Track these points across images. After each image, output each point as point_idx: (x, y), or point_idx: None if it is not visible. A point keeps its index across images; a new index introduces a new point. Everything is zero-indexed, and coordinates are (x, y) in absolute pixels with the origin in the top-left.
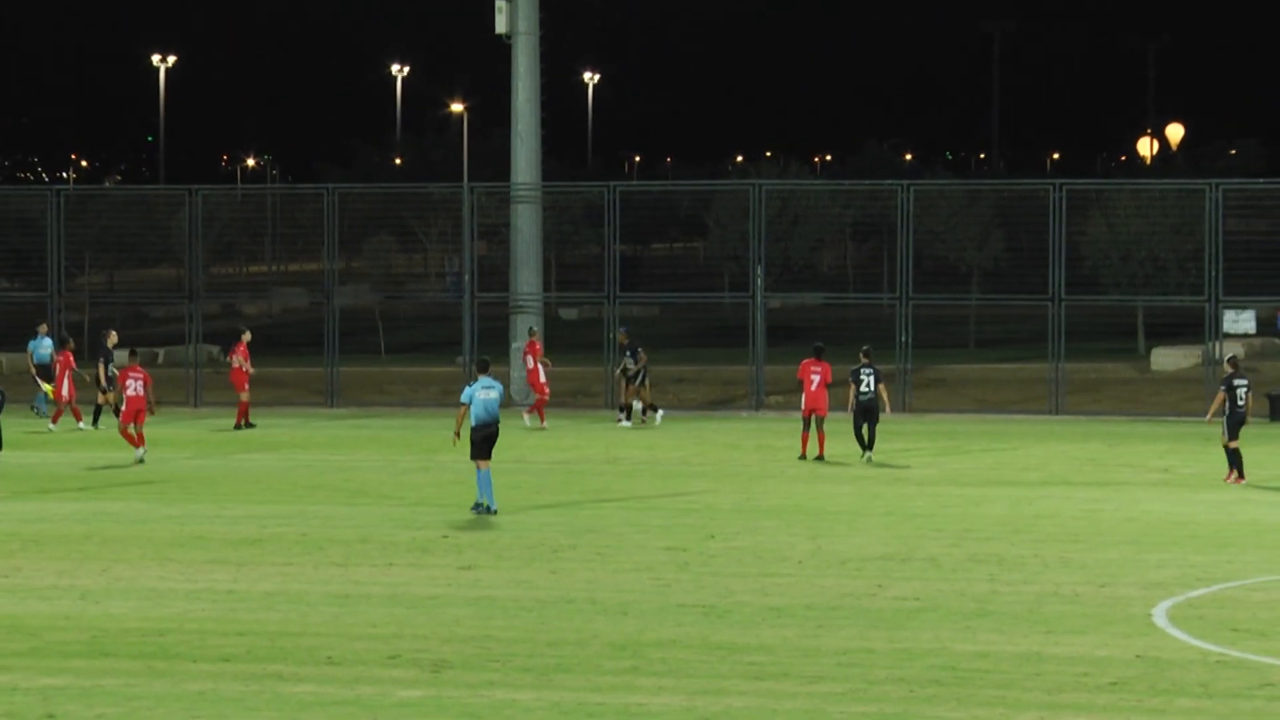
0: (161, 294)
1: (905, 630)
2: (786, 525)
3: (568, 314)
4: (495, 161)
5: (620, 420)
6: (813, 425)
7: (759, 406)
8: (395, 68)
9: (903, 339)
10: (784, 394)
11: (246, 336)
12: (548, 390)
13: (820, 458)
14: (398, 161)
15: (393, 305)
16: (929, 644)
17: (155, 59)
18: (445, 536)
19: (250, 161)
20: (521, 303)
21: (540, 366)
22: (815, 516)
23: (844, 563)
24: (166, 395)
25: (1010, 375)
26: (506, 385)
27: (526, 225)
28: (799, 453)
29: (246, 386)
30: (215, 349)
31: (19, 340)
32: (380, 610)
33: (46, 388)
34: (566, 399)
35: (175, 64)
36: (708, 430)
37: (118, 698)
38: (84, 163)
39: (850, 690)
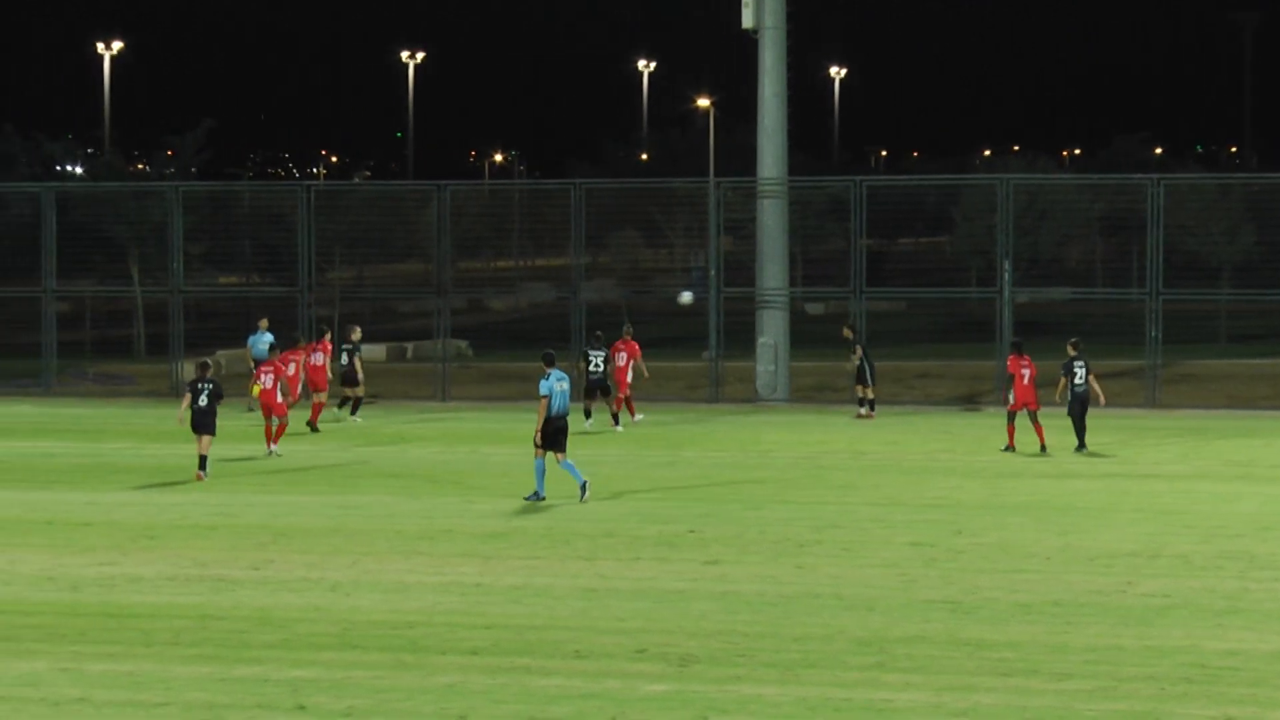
0: (409, 289)
1: (1154, 627)
2: (1034, 521)
3: (814, 309)
4: (741, 156)
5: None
6: (1016, 418)
7: (1006, 402)
8: (642, 64)
9: (1153, 334)
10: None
11: (328, 335)
12: (626, 388)
13: (1043, 448)
14: (644, 157)
15: (638, 300)
16: (1179, 641)
17: (405, 55)
18: (691, 531)
19: (498, 157)
20: (767, 298)
21: (631, 366)
22: (1063, 513)
23: (1092, 559)
24: (414, 390)
25: (1262, 371)
26: (752, 380)
27: (772, 220)
28: (1006, 444)
29: (325, 387)
30: (464, 344)
31: (277, 333)
32: (626, 604)
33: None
34: (812, 394)
35: (424, 60)
36: (955, 425)
37: (367, 690)
38: (334, 159)
39: (1099, 688)
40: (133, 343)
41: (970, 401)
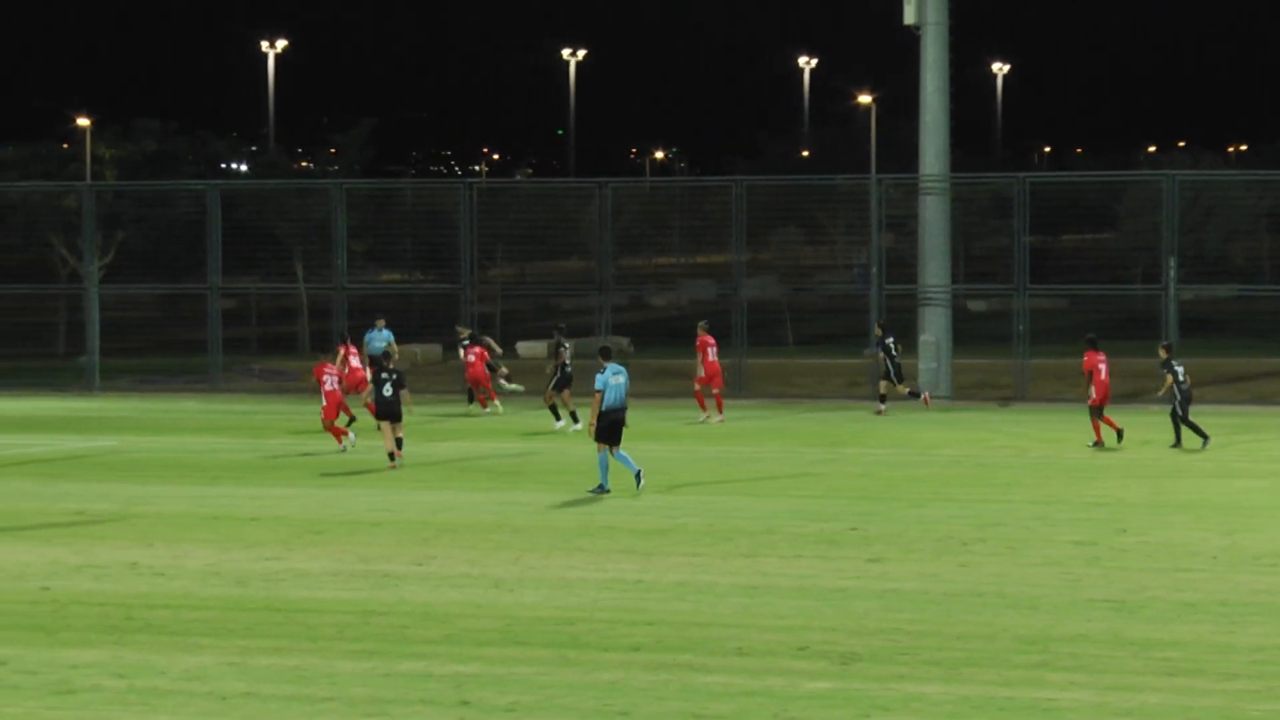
0: (571, 286)
1: None
2: (1199, 520)
3: (976, 306)
4: (903, 153)
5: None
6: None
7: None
8: (803, 60)
9: None
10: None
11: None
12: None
13: (1120, 435)
14: (805, 153)
15: (800, 297)
16: None
17: (566, 53)
18: (853, 529)
19: (658, 154)
20: (929, 295)
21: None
22: (1228, 512)
23: (1258, 559)
24: (575, 387)
25: None
26: (915, 377)
27: (935, 217)
28: (1094, 440)
29: (366, 387)
30: (625, 340)
31: (440, 331)
32: (788, 602)
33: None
34: (973, 391)
35: (586, 57)
36: (1119, 423)
37: (530, 685)
38: (495, 156)
39: (1266, 688)
40: (297, 339)
41: (1134, 399)
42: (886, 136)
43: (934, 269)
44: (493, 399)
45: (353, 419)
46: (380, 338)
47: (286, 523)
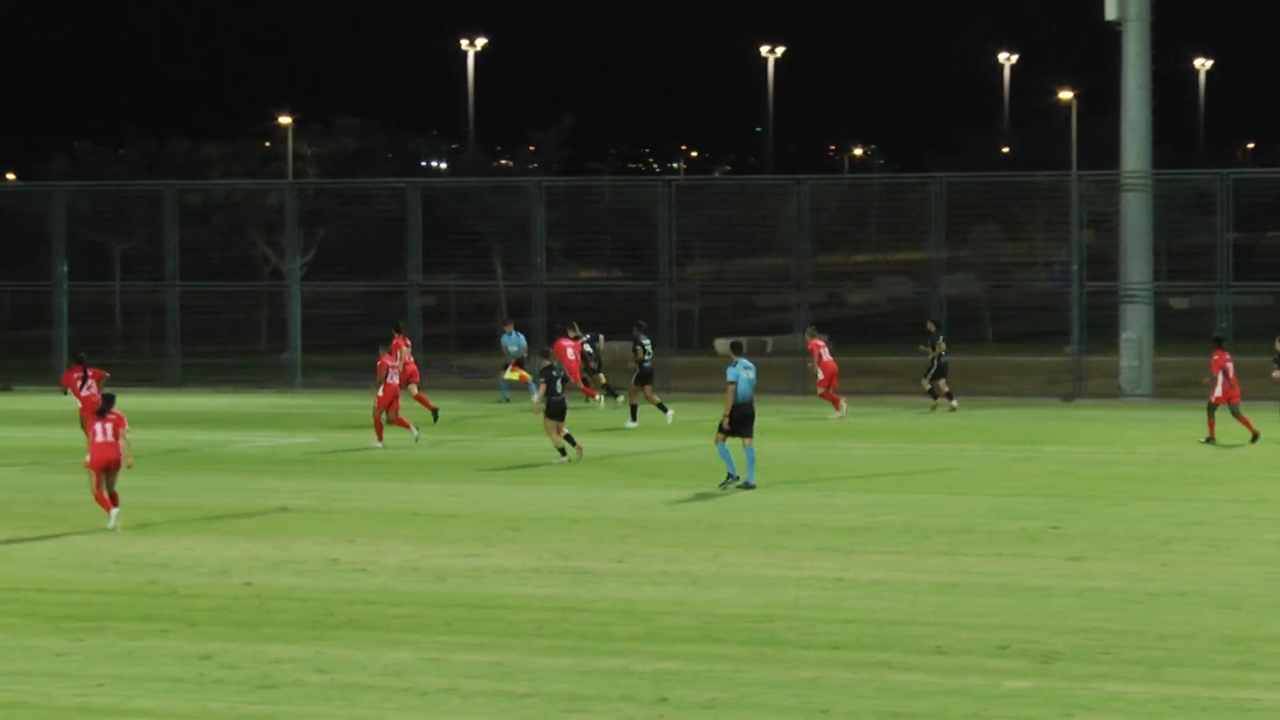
0: (768, 283)
1: None
2: None
3: (1178, 303)
4: (1103, 149)
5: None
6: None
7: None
8: (1003, 56)
9: None
10: None
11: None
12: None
13: (1256, 437)
14: (1004, 150)
15: (999, 294)
16: None
17: (765, 49)
18: (1053, 527)
19: (857, 151)
20: (1131, 292)
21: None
22: None
23: None
24: (773, 384)
25: None
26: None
27: (1136, 214)
28: (1207, 436)
29: (418, 378)
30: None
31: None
32: (988, 600)
33: (511, 375)
34: (1176, 390)
35: (784, 54)
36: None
37: (729, 683)
38: (694, 153)
39: None
40: (495, 337)
41: None
42: (1087, 133)
43: (1135, 266)
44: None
45: (435, 411)
46: (513, 340)
47: (485, 519)
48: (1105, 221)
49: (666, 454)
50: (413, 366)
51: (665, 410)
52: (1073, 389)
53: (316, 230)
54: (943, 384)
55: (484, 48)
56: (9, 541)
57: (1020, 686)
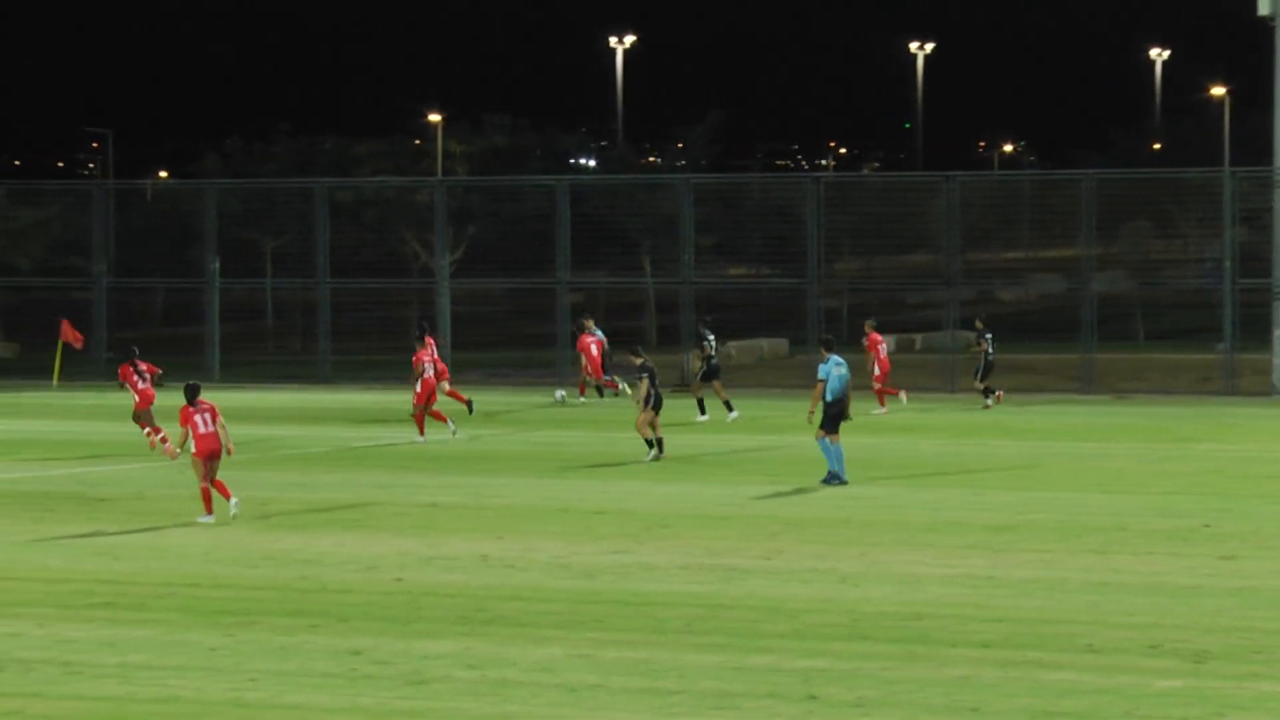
0: (918, 280)
1: None
2: None
3: None
4: (1256, 145)
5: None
6: None
7: None
8: (1154, 51)
9: None
10: None
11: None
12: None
13: None
14: (1155, 146)
15: (1150, 291)
16: None
17: (914, 46)
18: (1207, 526)
19: (1006, 147)
20: None
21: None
22: None
23: None
24: (922, 382)
25: None
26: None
27: None
28: None
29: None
30: (972, 335)
31: (786, 326)
32: (1139, 599)
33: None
34: None
35: (933, 50)
36: None
37: (877, 681)
38: (842, 150)
39: None
40: (644, 334)
41: None
42: (1239, 129)
43: None
44: (611, 388)
45: (469, 402)
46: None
47: (634, 516)
48: (1258, 218)
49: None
50: (442, 365)
51: (730, 409)
52: (1224, 387)
53: (466, 227)
54: (977, 382)
55: (632, 45)
56: (160, 536)
57: (1172, 686)
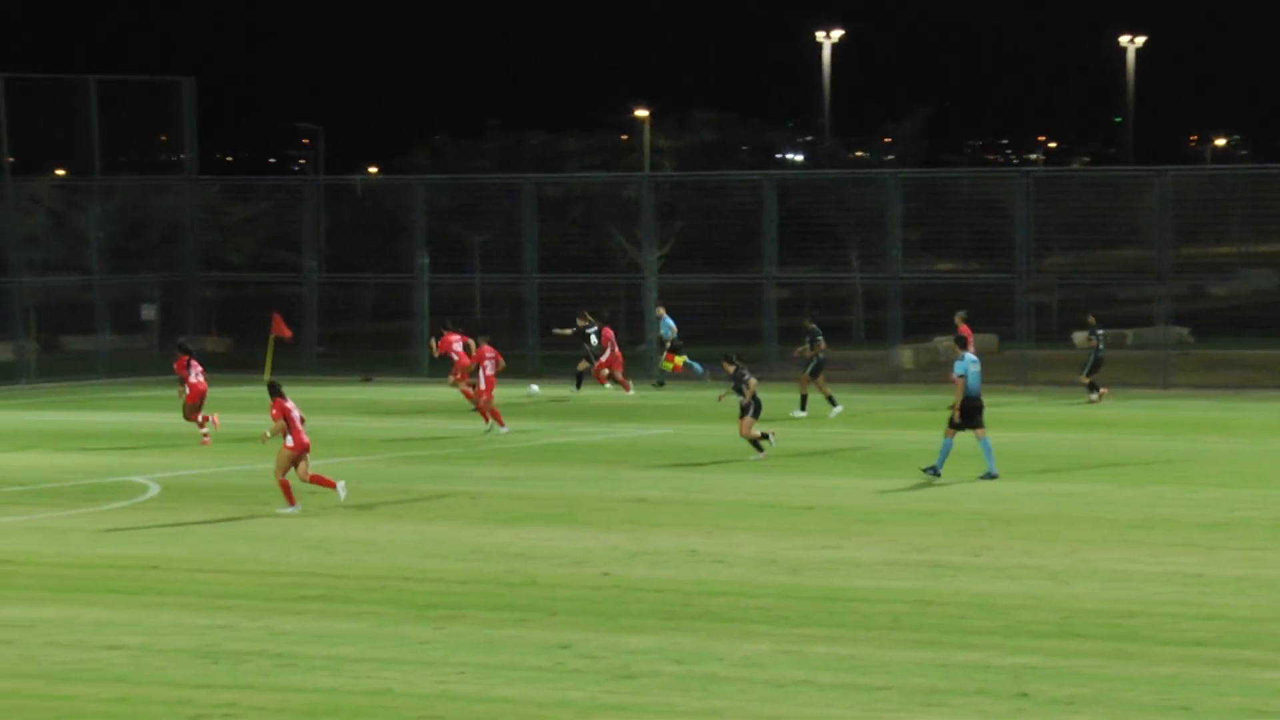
0: (1128, 275)
1: None
2: None
3: None
4: None
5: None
6: None
7: None
8: None
9: None
10: None
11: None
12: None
13: None
14: None
15: None
16: None
17: (1124, 39)
18: None
19: (1219, 141)
20: None
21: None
22: None
23: None
24: (1133, 378)
25: None
26: None
27: None
28: None
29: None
30: (1184, 330)
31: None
32: None
33: (666, 365)
34: None
35: (1144, 44)
36: None
37: (1088, 679)
38: (1051, 144)
39: None
40: (851, 329)
41: None
42: None
43: None
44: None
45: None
46: (665, 325)
47: (841, 512)
48: None
49: (1029, 448)
50: (465, 361)
51: (834, 404)
52: None
53: (673, 222)
54: (1084, 377)
55: (840, 39)
56: (370, 529)
57: None
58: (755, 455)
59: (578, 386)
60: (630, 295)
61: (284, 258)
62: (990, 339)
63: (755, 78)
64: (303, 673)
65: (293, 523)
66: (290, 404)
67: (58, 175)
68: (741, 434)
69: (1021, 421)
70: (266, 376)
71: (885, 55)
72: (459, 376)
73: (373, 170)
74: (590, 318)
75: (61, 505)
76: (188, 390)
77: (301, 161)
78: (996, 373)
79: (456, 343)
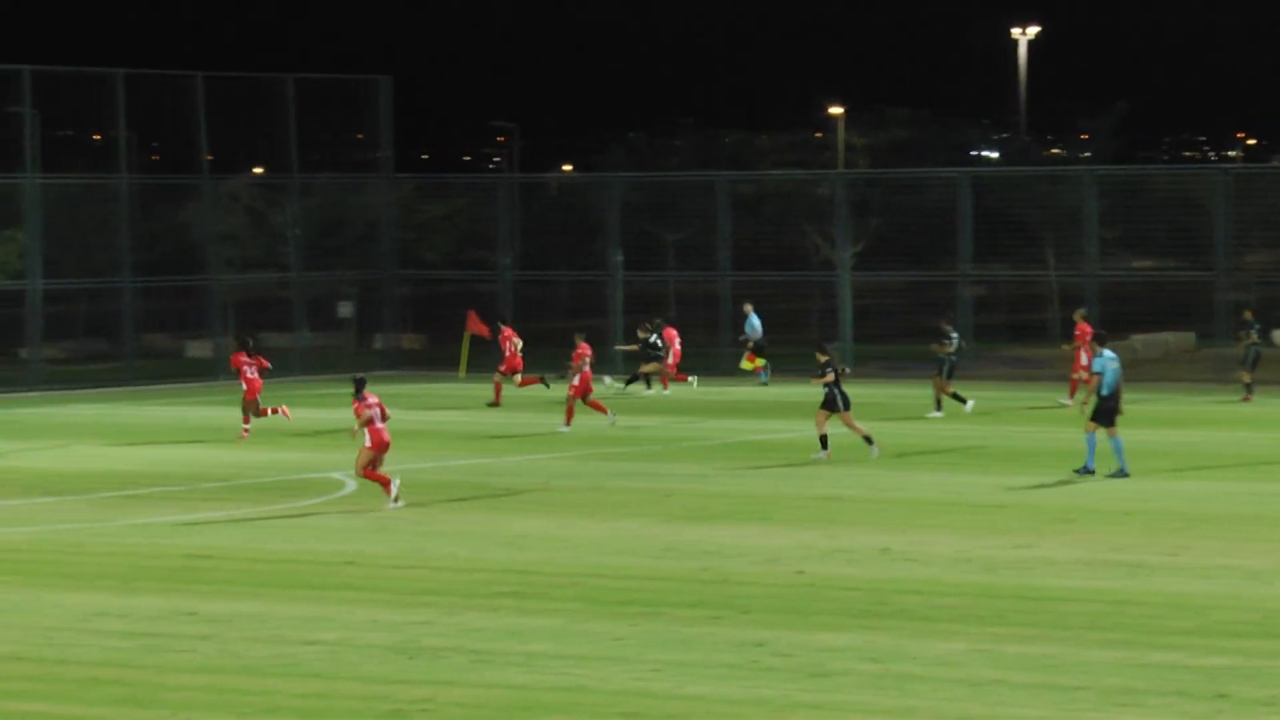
0: None
1: None
2: None
3: None
4: None
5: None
6: None
7: None
8: None
9: None
10: None
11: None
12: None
13: None
14: None
15: None
16: None
17: None
18: None
19: None
20: None
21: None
22: None
23: None
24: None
25: None
26: None
27: None
28: None
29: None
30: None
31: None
32: None
33: (746, 365)
34: None
35: None
36: None
37: None
38: (1251, 141)
39: None
40: (1046, 327)
41: None
42: None
43: None
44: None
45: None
46: (751, 325)
47: (1036, 511)
48: None
49: (1230, 448)
50: (519, 360)
51: (965, 401)
52: None
53: (867, 220)
54: (1244, 375)
55: (1036, 35)
56: (564, 526)
57: None
58: (818, 453)
59: (648, 387)
60: (825, 293)
61: (479, 255)
62: (1187, 337)
63: (950, 75)
64: (498, 669)
65: (487, 519)
66: (374, 400)
67: (255, 174)
68: (848, 425)
69: (1219, 420)
70: (461, 374)
71: (1082, 51)
72: (505, 370)
73: (567, 168)
74: (649, 326)
75: (259, 501)
76: (245, 386)
77: (496, 159)
78: (1194, 371)
79: (511, 339)
